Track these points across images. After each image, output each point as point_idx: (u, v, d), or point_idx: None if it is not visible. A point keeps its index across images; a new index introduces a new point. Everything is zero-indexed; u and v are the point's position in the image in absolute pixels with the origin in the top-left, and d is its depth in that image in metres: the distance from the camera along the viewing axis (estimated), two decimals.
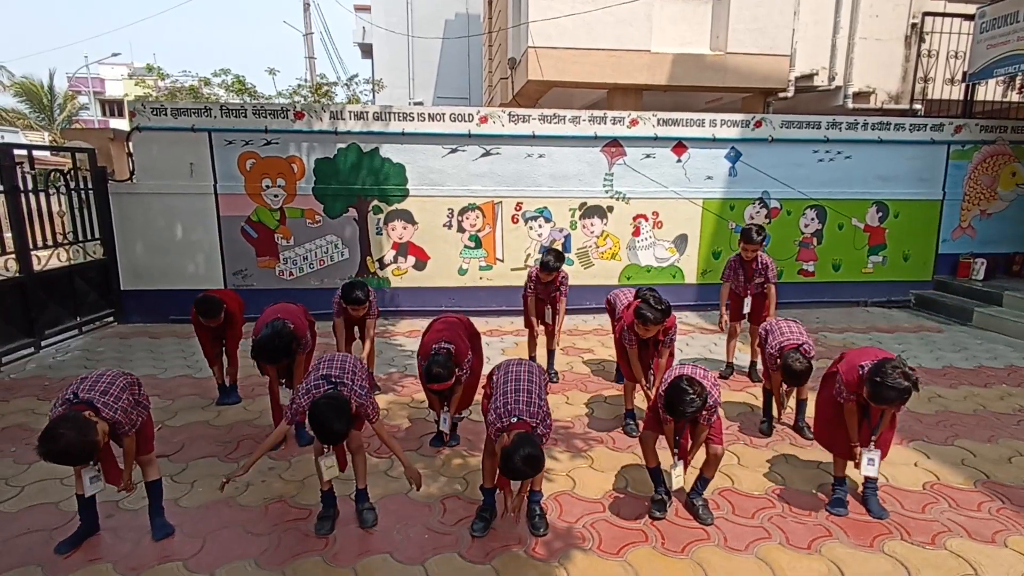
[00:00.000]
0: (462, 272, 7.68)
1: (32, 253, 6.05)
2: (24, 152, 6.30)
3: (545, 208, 7.64)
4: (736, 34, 8.67)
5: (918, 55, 9.20)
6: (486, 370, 3.79)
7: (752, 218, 7.94)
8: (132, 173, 7.03)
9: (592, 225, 7.75)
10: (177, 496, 3.33)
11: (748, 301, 5.18)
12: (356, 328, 4.84)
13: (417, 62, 19.97)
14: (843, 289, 8.30)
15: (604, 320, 6.74)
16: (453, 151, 7.35)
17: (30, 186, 6.12)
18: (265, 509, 3.23)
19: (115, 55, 30.51)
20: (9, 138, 17.43)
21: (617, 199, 7.71)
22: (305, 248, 7.38)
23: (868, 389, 2.83)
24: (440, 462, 3.78)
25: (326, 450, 2.96)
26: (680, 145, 7.64)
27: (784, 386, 4.01)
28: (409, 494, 3.35)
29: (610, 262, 7.87)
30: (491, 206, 7.55)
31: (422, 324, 4.54)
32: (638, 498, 3.34)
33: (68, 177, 6.59)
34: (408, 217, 7.47)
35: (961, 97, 9.00)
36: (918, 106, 9.18)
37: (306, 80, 15.30)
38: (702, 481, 3.18)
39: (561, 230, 7.72)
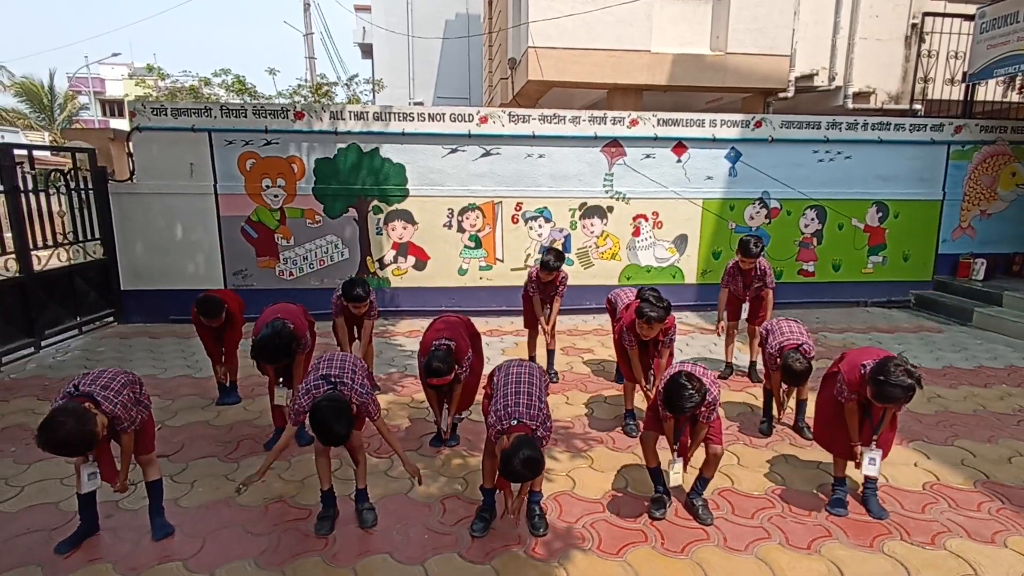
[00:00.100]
0: (462, 272, 7.68)
1: (32, 253, 6.06)
2: (24, 152, 6.30)
3: (545, 208, 7.64)
4: (736, 34, 8.67)
5: (918, 55, 9.19)
6: (486, 370, 3.80)
7: (752, 218, 7.94)
8: (132, 173, 7.03)
9: (592, 225, 7.75)
10: (177, 496, 3.33)
11: (746, 307, 5.23)
12: (355, 328, 4.84)
13: (417, 62, 19.97)
14: (843, 289, 8.30)
15: (604, 320, 6.75)
16: (453, 151, 7.35)
17: (30, 186, 6.12)
18: (265, 509, 3.23)
19: (115, 55, 30.55)
20: (9, 138, 17.44)
21: (617, 199, 7.71)
22: (305, 248, 7.39)
23: (871, 388, 2.83)
24: (440, 462, 3.78)
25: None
26: (680, 145, 7.64)
27: (784, 386, 4.01)
28: (409, 493, 3.35)
29: (610, 262, 7.87)
30: (491, 206, 7.55)
31: (422, 324, 4.54)
32: (638, 498, 3.34)
33: (68, 177, 6.59)
34: (408, 217, 7.47)
35: (961, 97, 9.00)
36: (918, 106, 9.18)
37: (306, 80, 15.31)
38: (702, 481, 3.18)
39: (561, 230, 7.72)
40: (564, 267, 5.16)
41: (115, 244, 7.07)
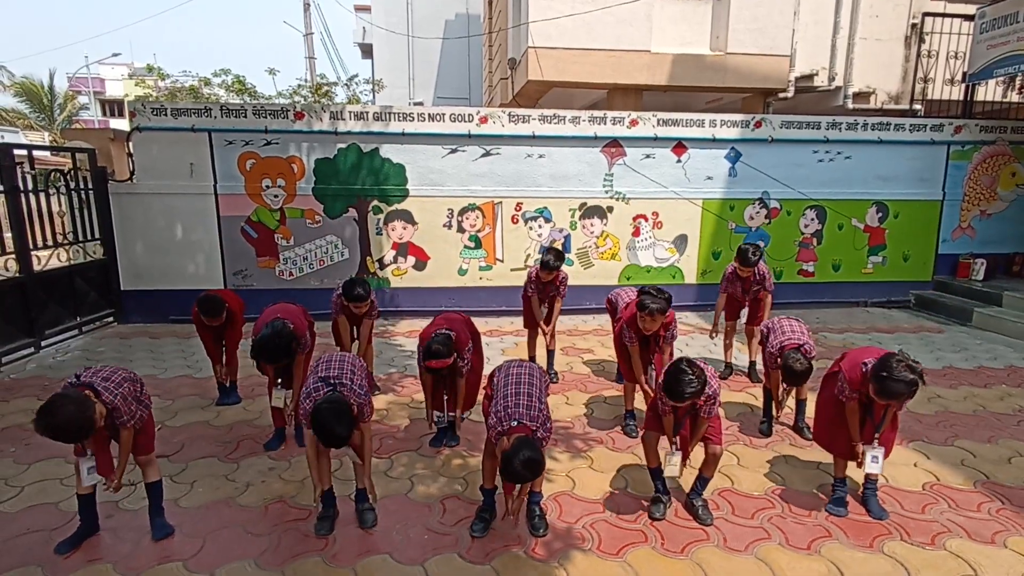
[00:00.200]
0: (462, 272, 7.68)
1: (32, 253, 6.06)
2: (24, 152, 6.30)
3: (545, 208, 7.64)
4: (736, 34, 8.67)
5: (918, 55, 9.20)
6: (486, 371, 3.79)
7: (752, 218, 7.94)
8: (132, 173, 7.03)
9: (592, 225, 7.76)
10: (177, 496, 3.33)
11: (745, 310, 5.25)
12: (355, 329, 4.84)
13: (417, 62, 19.97)
14: (843, 289, 8.30)
15: (604, 320, 6.75)
16: (453, 151, 7.35)
17: (30, 186, 6.12)
18: (265, 509, 3.23)
19: (115, 55, 30.53)
20: (9, 138, 17.44)
21: (617, 199, 7.71)
22: (305, 248, 7.39)
23: (874, 385, 2.83)
24: (440, 462, 3.78)
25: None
26: (680, 145, 7.64)
27: (783, 385, 4.01)
28: (409, 494, 3.36)
29: (610, 262, 7.88)
30: (491, 206, 7.55)
31: (422, 324, 4.53)
32: (638, 498, 3.34)
33: (68, 177, 6.59)
34: (408, 217, 7.47)
35: (961, 97, 9.00)
36: (918, 106, 9.18)
37: (306, 80, 15.31)
38: (701, 481, 3.18)
39: (561, 230, 7.72)
40: (564, 267, 5.16)
41: (115, 244, 7.07)
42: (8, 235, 5.88)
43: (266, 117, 7.02)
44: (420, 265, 7.62)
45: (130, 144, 6.98)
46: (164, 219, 7.09)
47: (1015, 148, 8.28)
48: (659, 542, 2.95)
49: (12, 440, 4.07)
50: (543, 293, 5.16)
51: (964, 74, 8.62)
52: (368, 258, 7.51)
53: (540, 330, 5.25)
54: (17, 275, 5.93)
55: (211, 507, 3.25)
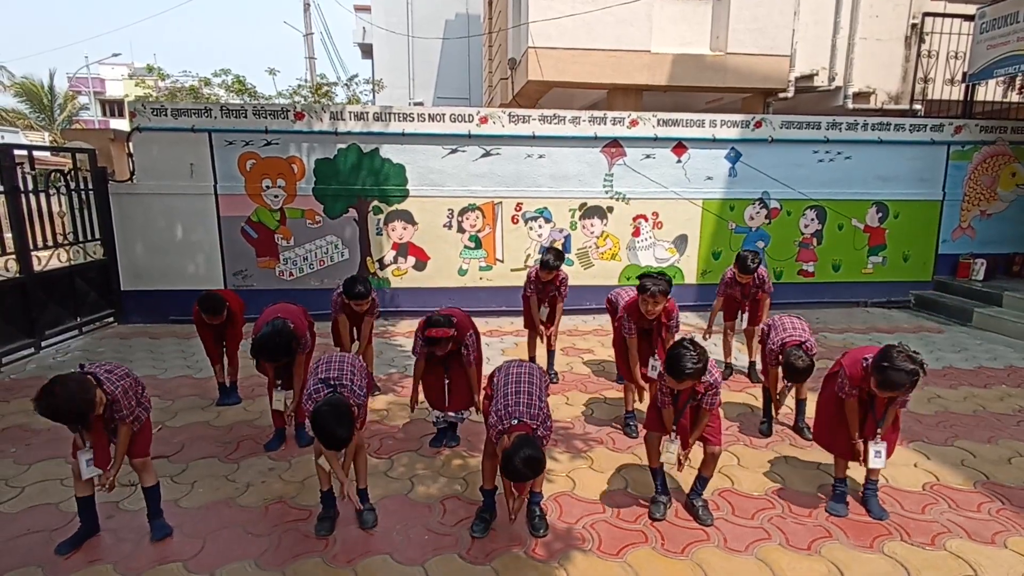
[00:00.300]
0: (462, 272, 7.68)
1: (32, 253, 6.06)
2: (24, 152, 6.30)
3: (545, 208, 7.64)
4: (736, 34, 8.67)
5: (918, 55, 9.20)
6: (486, 371, 3.79)
7: (752, 218, 7.94)
8: (132, 173, 7.03)
9: (592, 225, 7.76)
10: (177, 497, 3.33)
11: (745, 316, 5.26)
12: (355, 330, 4.84)
13: (417, 62, 19.97)
14: (843, 289, 8.30)
15: (604, 320, 6.75)
16: (453, 151, 7.36)
17: (30, 186, 6.12)
18: (265, 510, 3.23)
19: (115, 55, 30.55)
20: (9, 138, 17.44)
21: (617, 199, 7.71)
22: (305, 248, 7.39)
23: (875, 377, 2.83)
24: (440, 463, 3.78)
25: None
26: (680, 145, 7.64)
27: (782, 383, 4.00)
28: (410, 494, 3.36)
29: (610, 262, 7.88)
30: (491, 206, 7.55)
31: None
32: (638, 499, 3.34)
33: (68, 177, 6.59)
34: (408, 217, 7.47)
35: (961, 97, 9.00)
36: (918, 106, 9.18)
37: (306, 80, 15.31)
38: (701, 481, 3.18)
39: (561, 230, 7.72)
40: (564, 267, 5.15)
41: (115, 244, 7.07)
42: (8, 235, 5.88)
43: (266, 117, 7.02)
44: (420, 265, 7.62)
45: (130, 144, 6.98)
46: (164, 219, 7.09)
47: (1015, 148, 8.28)
48: (659, 542, 2.95)
49: (13, 440, 4.07)
50: (543, 293, 5.15)
51: (964, 74, 8.62)
52: (368, 258, 7.51)
53: (542, 332, 5.25)
54: (17, 275, 5.93)
55: (211, 507, 3.25)
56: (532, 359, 5.22)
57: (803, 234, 8.11)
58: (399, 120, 7.18)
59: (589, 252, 7.82)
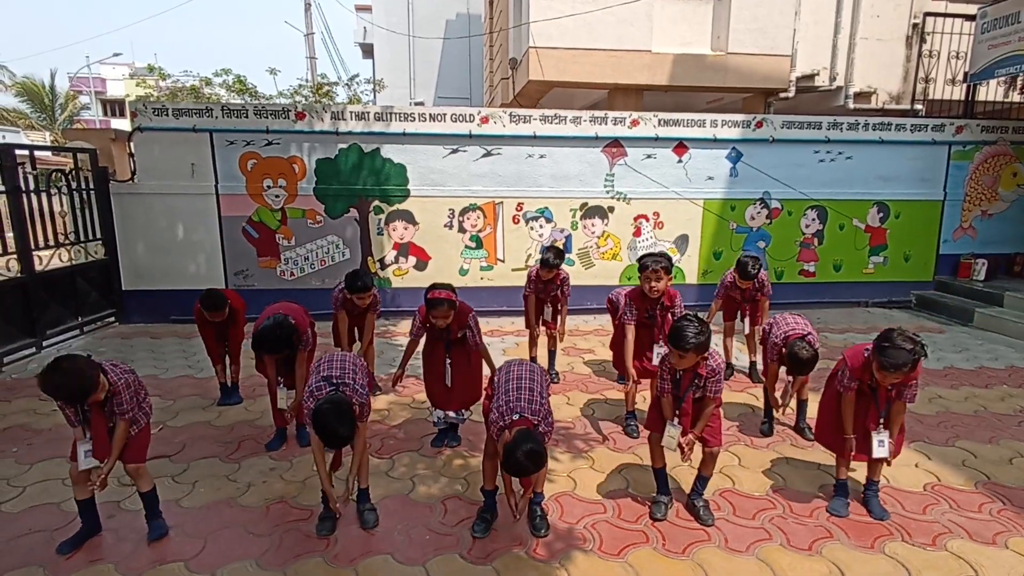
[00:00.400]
0: (463, 272, 7.68)
1: (34, 253, 6.06)
2: (26, 152, 6.30)
3: (546, 208, 7.64)
4: (737, 34, 8.67)
5: (919, 55, 9.19)
6: (486, 371, 3.79)
7: (753, 218, 7.94)
8: (133, 173, 7.04)
9: (593, 225, 7.75)
10: (178, 497, 3.34)
11: (747, 321, 5.27)
12: (356, 330, 4.84)
13: (418, 62, 19.98)
14: (844, 289, 8.30)
15: (605, 320, 6.75)
16: (454, 151, 7.36)
17: (32, 186, 6.13)
18: (266, 510, 3.23)
19: (116, 55, 30.53)
20: (11, 138, 17.46)
21: (618, 199, 7.71)
22: (306, 248, 7.39)
23: (877, 359, 2.85)
24: (441, 463, 3.78)
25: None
26: (681, 145, 7.64)
27: (783, 384, 4.00)
28: (411, 494, 3.36)
29: (611, 262, 7.87)
30: (492, 206, 7.55)
31: None
32: (639, 499, 3.34)
33: (70, 177, 6.60)
34: (409, 217, 7.47)
35: (962, 97, 8.98)
36: (919, 106, 9.18)
37: (307, 80, 15.32)
38: (701, 481, 3.18)
39: (562, 230, 7.72)
40: (565, 267, 5.15)
41: (116, 244, 7.08)
42: (10, 235, 5.89)
43: (267, 117, 7.03)
44: (421, 265, 7.62)
45: (131, 144, 6.99)
46: (165, 219, 7.10)
47: (1016, 148, 8.27)
48: (660, 543, 2.95)
49: (14, 440, 4.08)
50: (544, 293, 5.15)
51: (965, 74, 8.61)
52: (369, 258, 7.52)
53: (547, 333, 5.24)
54: (19, 275, 5.94)
55: (212, 507, 3.25)
56: (533, 359, 5.22)
57: (804, 234, 8.10)
58: (400, 120, 7.19)
59: (590, 252, 7.82)
